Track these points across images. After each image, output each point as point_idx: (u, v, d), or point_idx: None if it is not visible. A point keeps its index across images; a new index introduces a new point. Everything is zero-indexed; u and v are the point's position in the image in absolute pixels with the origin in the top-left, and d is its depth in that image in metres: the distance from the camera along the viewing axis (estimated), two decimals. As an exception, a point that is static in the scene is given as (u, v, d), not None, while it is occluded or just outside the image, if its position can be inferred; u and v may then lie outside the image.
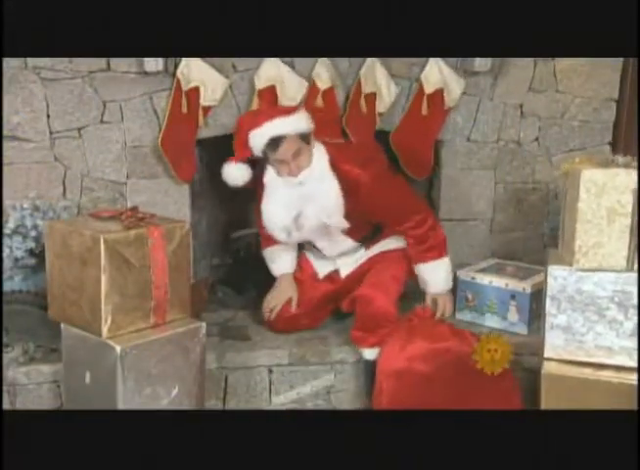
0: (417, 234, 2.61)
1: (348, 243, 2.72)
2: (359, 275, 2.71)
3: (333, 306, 2.80)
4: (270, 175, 2.54)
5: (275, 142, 2.42)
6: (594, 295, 2.18)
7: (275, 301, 2.74)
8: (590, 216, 2.13)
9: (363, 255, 2.75)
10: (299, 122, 2.46)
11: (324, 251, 2.76)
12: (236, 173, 2.58)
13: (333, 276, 2.79)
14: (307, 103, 2.85)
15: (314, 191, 2.47)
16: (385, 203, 2.56)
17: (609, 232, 2.13)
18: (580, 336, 2.21)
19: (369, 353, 2.57)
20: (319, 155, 2.51)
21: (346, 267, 2.77)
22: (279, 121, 2.43)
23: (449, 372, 2.40)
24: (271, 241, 2.71)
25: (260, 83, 2.82)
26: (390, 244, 2.73)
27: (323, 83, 2.85)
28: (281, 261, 2.80)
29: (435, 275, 2.67)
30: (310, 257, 2.84)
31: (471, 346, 2.40)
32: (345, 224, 2.57)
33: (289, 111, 2.52)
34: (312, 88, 2.86)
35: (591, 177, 2.11)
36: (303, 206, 2.50)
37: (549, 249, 2.52)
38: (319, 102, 2.85)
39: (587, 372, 2.18)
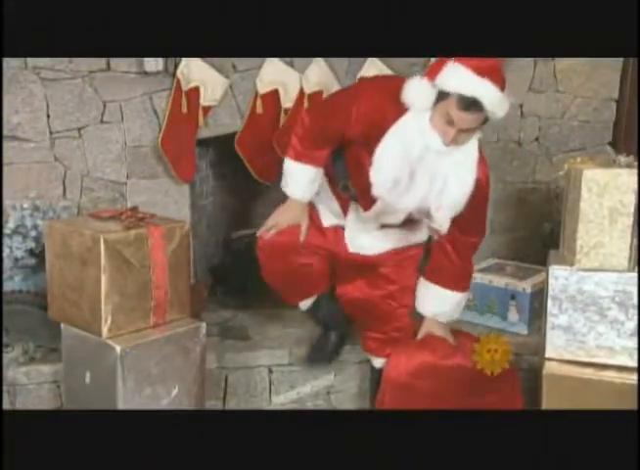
0: (466, 248, 2.36)
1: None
2: (366, 263, 2.44)
3: (326, 284, 2.52)
4: (414, 115, 2.09)
5: (471, 104, 2.00)
6: (595, 295, 2.18)
7: (281, 218, 2.37)
8: (592, 216, 2.13)
9: (374, 243, 2.43)
10: (504, 105, 2.08)
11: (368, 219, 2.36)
12: (421, 91, 2.08)
13: (338, 237, 2.45)
14: None
15: (446, 167, 2.08)
16: (482, 211, 2.33)
17: (610, 232, 2.13)
18: (582, 336, 2.21)
19: (380, 362, 2.49)
20: (475, 147, 2.15)
21: (356, 242, 2.43)
22: (497, 93, 2.04)
23: (453, 389, 2.37)
24: (303, 155, 2.30)
25: (263, 87, 2.82)
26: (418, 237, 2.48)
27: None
28: (303, 183, 2.34)
29: (441, 301, 2.41)
30: (318, 206, 2.46)
31: (468, 361, 2.36)
32: (445, 228, 2.18)
33: (504, 86, 2.10)
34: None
35: (593, 177, 2.12)
36: (422, 171, 2.09)
37: (550, 249, 2.52)
38: None
39: (588, 372, 2.18)
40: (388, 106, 2.13)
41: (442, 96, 2.04)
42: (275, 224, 2.38)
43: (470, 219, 2.23)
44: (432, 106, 2.07)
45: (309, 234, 2.41)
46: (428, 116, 2.08)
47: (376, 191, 2.14)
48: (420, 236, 2.45)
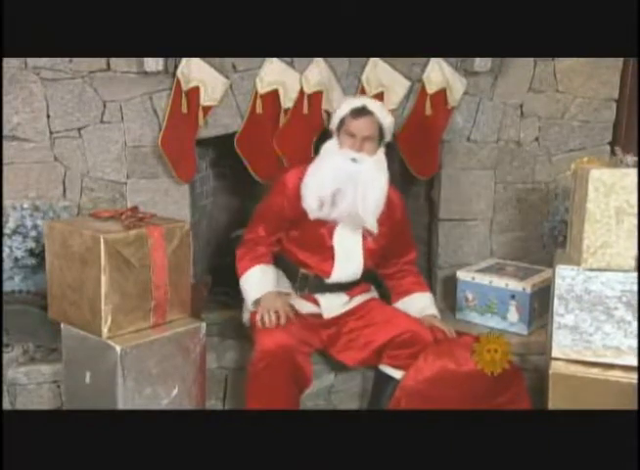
0: (412, 268, 2.75)
1: (357, 267, 2.60)
2: (343, 321, 2.58)
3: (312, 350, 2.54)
4: (329, 145, 2.54)
5: (360, 112, 2.47)
6: (602, 294, 2.18)
7: (265, 307, 2.42)
8: (599, 216, 2.13)
9: (346, 302, 2.61)
10: (388, 119, 2.54)
11: (333, 273, 2.57)
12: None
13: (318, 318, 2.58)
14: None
15: (365, 176, 2.45)
16: (405, 230, 2.71)
17: (617, 232, 2.13)
18: (588, 336, 2.20)
19: (399, 373, 2.48)
20: (383, 157, 2.55)
21: (330, 311, 2.58)
22: (376, 102, 2.59)
23: (467, 395, 2.37)
24: (252, 259, 2.55)
25: (263, 87, 2.82)
26: (372, 293, 2.70)
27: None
28: (260, 281, 2.53)
29: (430, 301, 2.71)
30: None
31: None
32: (375, 229, 2.52)
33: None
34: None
35: (600, 177, 2.11)
36: (347, 184, 2.45)
37: (549, 249, 2.52)
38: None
39: (595, 372, 2.17)
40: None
41: (340, 124, 2.51)
42: (266, 311, 2.39)
43: (400, 244, 2.68)
44: (336, 136, 2.53)
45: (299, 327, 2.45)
46: (336, 146, 2.51)
47: (310, 215, 2.49)
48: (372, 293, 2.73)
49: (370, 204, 2.48)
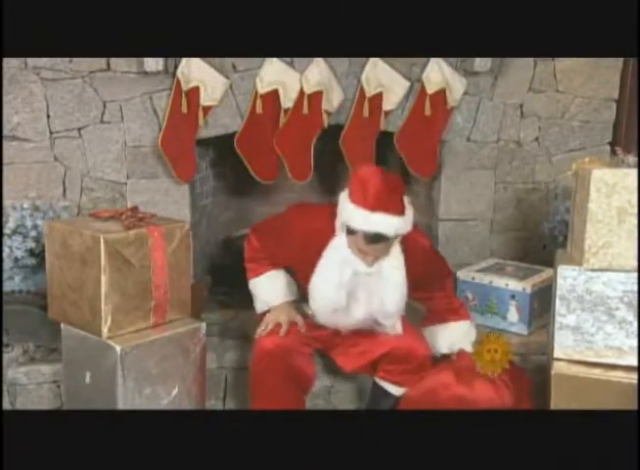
0: (449, 299, 2.53)
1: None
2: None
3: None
4: (337, 242, 2.20)
5: (376, 237, 2.09)
6: (604, 295, 2.17)
7: (270, 318, 2.37)
8: (600, 216, 2.13)
9: None
10: (408, 224, 2.15)
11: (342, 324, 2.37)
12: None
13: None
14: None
15: (379, 276, 2.20)
16: (430, 269, 2.41)
17: (618, 232, 2.13)
18: (590, 336, 2.20)
19: (398, 390, 2.43)
20: (399, 250, 2.23)
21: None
22: (396, 221, 2.09)
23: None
24: (260, 268, 2.44)
25: (263, 87, 2.82)
26: None
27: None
28: (273, 288, 2.43)
29: (461, 332, 2.50)
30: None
31: (504, 398, 2.30)
32: (399, 328, 2.32)
33: (402, 209, 2.13)
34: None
35: (602, 177, 2.11)
36: (359, 289, 2.21)
37: (549, 249, 2.52)
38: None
39: (597, 372, 2.17)
40: (319, 229, 2.23)
41: (350, 230, 2.13)
42: (266, 324, 2.35)
43: (435, 274, 2.43)
44: (343, 234, 2.17)
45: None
46: (344, 245, 2.17)
47: (318, 318, 2.30)
48: None
49: (390, 308, 2.23)
